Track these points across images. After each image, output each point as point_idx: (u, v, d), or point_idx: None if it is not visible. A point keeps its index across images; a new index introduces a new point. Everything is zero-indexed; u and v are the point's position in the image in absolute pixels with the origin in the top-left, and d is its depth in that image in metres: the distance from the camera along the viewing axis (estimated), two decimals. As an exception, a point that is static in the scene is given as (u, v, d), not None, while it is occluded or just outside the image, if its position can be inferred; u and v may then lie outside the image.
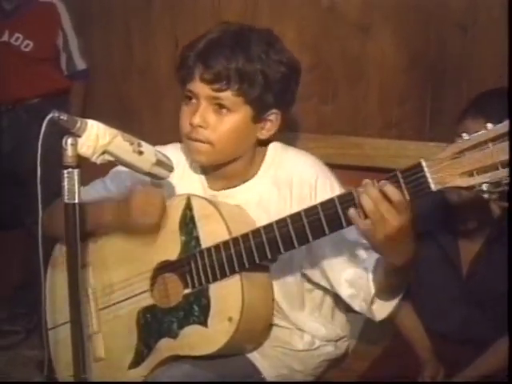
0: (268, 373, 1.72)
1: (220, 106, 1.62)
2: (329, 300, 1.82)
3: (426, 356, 1.83)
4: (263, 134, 1.69)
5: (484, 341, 1.78)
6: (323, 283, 1.70)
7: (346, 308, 1.86)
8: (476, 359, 1.77)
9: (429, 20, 2.45)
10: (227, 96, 1.60)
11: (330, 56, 2.61)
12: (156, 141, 1.71)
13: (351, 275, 1.63)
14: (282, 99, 1.66)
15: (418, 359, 1.84)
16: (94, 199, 1.75)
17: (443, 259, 1.84)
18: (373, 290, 1.59)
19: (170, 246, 1.67)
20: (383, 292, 1.60)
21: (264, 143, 1.72)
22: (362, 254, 1.61)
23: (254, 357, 1.72)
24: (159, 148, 1.73)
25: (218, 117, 1.63)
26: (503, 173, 1.25)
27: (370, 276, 1.59)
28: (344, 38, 2.58)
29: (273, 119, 1.68)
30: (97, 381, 1.73)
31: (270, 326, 1.72)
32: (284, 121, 1.71)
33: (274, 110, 1.66)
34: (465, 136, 1.29)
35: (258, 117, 1.65)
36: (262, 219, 1.62)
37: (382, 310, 1.62)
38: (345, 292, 1.65)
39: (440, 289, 1.85)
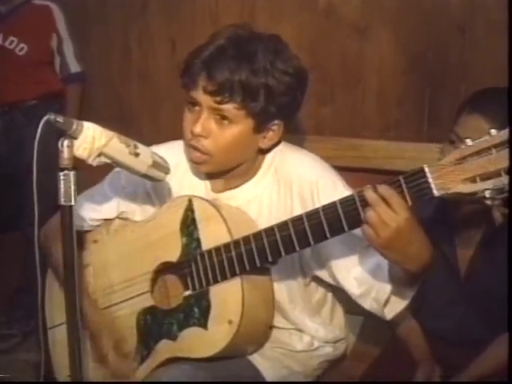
0: (268, 374, 1.72)
1: (222, 117, 1.60)
2: (328, 302, 1.82)
3: (421, 356, 1.83)
4: (265, 143, 1.67)
5: (480, 342, 1.78)
6: (333, 283, 1.68)
7: (345, 310, 1.86)
8: (475, 359, 1.77)
9: (427, 22, 2.46)
10: (229, 108, 1.58)
11: (328, 58, 2.61)
12: (154, 144, 1.72)
13: (360, 273, 1.60)
14: (286, 110, 1.64)
15: (415, 360, 1.84)
16: None
17: (440, 261, 1.84)
18: (389, 288, 1.56)
19: (170, 248, 1.67)
20: (396, 291, 1.57)
21: (266, 151, 1.70)
22: (371, 249, 1.51)
23: (254, 358, 1.71)
24: (160, 146, 1.74)
25: (219, 127, 1.61)
26: (506, 179, 1.23)
27: (386, 273, 1.55)
28: (342, 40, 2.58)
29: (275, 129, 1.66)
30: (96, 381, 1.74)
31: (271, 327, 1.72)
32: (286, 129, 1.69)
33: (276, 121, 1.65)
34: (468, 142, 1.29)
35: (260, 128, 1.63)
36: (263, 218, 1.63)
37: (392, 308, 1.60)
38: (354, 291, 1.61)
39: (437, 290, 1.85)
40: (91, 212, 1.82)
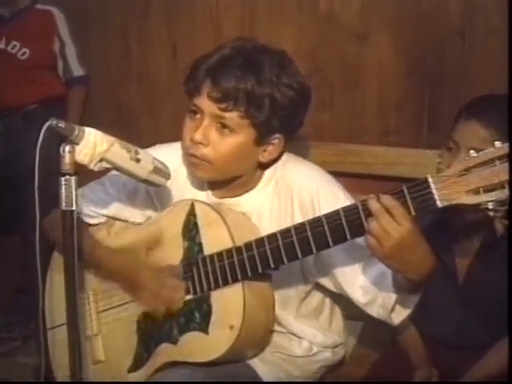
0: (267, 378, 1.72)
1: (223, 126, 1.58)
2: (327, 308, 1.82)
3: (419, 360, 1.84)
4: (264, 157, 1.66)
5: (478, 346, 1.78)
6: (337, 291, 1.69)
7: (345, 315, 1.87)
8: (475, 362, 1.77)
9: (426, 27, 2.46)
10: (232, 117, 1.57)
11: (328, 63, 2.61)
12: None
13: (365, 281, 1.60)
14: (288, 124, 1.63)
15: (412, 364, 1.84)
16: (97, 240, 1.76)
17: (439, 266, 1.84)
18: (394, 296, 1.57)
19: (172, 251, 1.67)
20: (400, 298, 1.57)
21: (265, 165, 1.69)
22: (375, 258, 1.51)
23: (254, 362, 1.72)
24: (161, 147, 1.73)
25: (220, 135, 1.59)
26: (509, 191, 1.24)
27: (390, 280, 1.56)
28: (342, 45, 2.59)
29: (276, 143, 1.65)
30: (96, 381, 1.74)
31: (271, 333, 1.72)
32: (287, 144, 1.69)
33: (277, 135, 1.63)
34: (472, 153, 1.29)
35: (262, 140, 1.62)
36: (263, 229, 1.62)
37: (399, 314, 1.61)
38: (360, 299, 1.62)
39: (436, 294, 1.85)
40: (90, 206, 1.82)
